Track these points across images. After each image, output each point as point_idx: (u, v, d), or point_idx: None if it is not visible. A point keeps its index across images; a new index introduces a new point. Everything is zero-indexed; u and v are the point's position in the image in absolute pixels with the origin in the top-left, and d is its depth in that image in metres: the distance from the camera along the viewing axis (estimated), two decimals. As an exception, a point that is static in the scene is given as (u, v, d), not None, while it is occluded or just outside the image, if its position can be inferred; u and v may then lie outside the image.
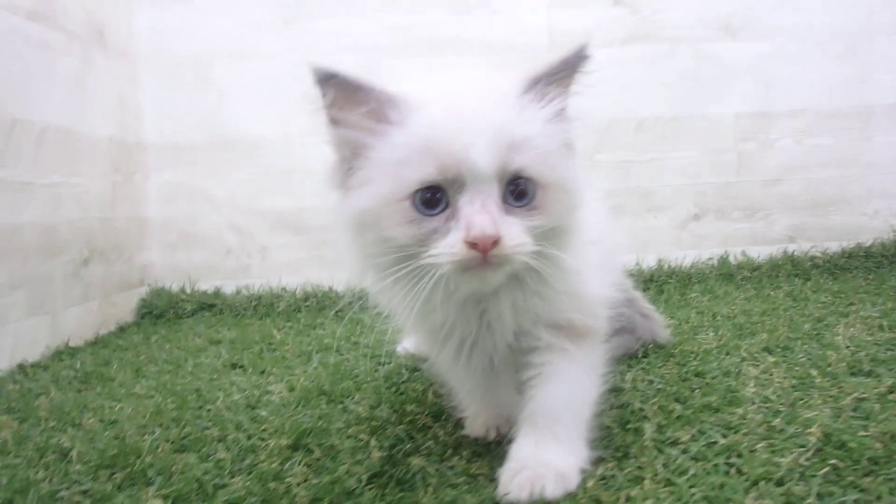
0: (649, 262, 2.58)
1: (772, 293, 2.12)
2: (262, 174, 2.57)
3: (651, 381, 1.27)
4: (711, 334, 1.59)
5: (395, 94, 0.83)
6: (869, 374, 1.21)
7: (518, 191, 0.81)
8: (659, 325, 1.51)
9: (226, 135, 2.56)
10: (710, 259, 2.60)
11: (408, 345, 1.60)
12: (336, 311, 2.37)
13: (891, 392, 1.10)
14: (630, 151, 2.62)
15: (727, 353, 1.42)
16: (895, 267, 2.45)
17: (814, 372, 1.23)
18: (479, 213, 0.77)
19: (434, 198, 0.79)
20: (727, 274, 2.49)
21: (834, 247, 2.59)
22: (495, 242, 0.76)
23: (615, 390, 1.23)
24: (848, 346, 1.38)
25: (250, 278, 2.59)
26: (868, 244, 2.57)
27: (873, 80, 2.62)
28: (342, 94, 0.83)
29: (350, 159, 0.85)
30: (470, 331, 0.94)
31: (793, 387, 1.17)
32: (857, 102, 2.63)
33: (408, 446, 1.03)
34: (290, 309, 2.43)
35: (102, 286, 2.17)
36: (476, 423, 1.06)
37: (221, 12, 2.52)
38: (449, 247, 0.77)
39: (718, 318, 1.80)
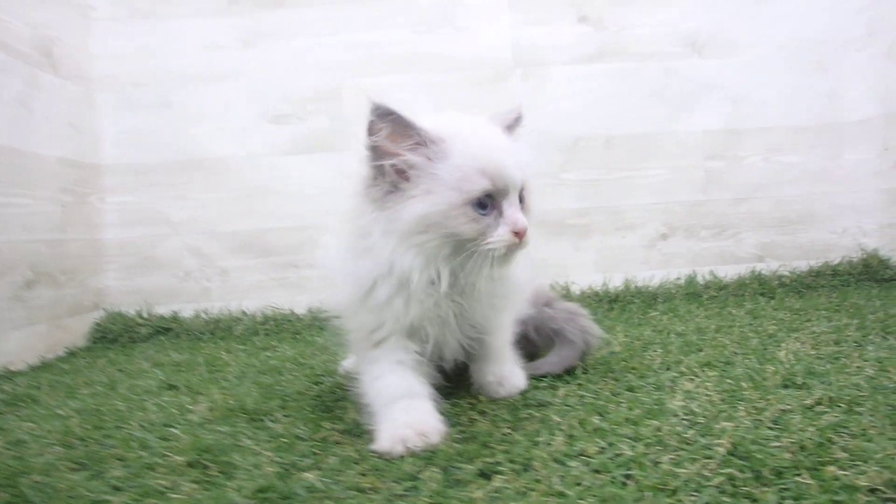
0: (616, 282, 2.56)
1: (733, 311, 2.10)
2: (224, 196, 2.56)
3: (582, 397, 1.24)
4: (659, 351, 1.56)
5: (433, 130, 1.08)
6: (801, 386, 1.18)
7: (521, 195, 1.14)
8: (585, 317, 1.48)
9: (186, 156, 2.55)
10: (677, 279, 2.58)
11: (348, 364, 1.58)
12: (294, 334, 2.35)
13: (818, 404, 1.07)
14: (598, 169, 2.61)
15: (668, 369, 1.39)
16: (861, 285, 2.43)
17: (746, 385, 1.20)
18: (518, 213, 1.10)
19: (485, 202, 1.08)
20: (694, 293, 2.47)
21: (803, 265, 2.57)
22: (525, 231, 1.09)
23: (542, 405, 1.20)
24: (789, 360, 1.35)
25: (210, 302, 2.56)
26: (836, 262, 2.56)
27: (842, 96, 2.62)
28: (396, 128, 1.06)
29: (394, 179, 1.09)
30: (447, 321, 1.18)
31: (722, 399, 1.14)
32: (826, 119, 2.62)
33: (308, 462, 1.00)
34: (248, 332, 2.41)
35: (50, 310, 2.15)
36: (384, 437, 1.04)
37: (181, 34, 2.54)
38: (501, 236, 1.08)
39: (672, 335, 1.76)
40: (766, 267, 2.59)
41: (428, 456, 0.97)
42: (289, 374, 1.67)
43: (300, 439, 1.11)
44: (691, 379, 1.29)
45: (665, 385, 1.26)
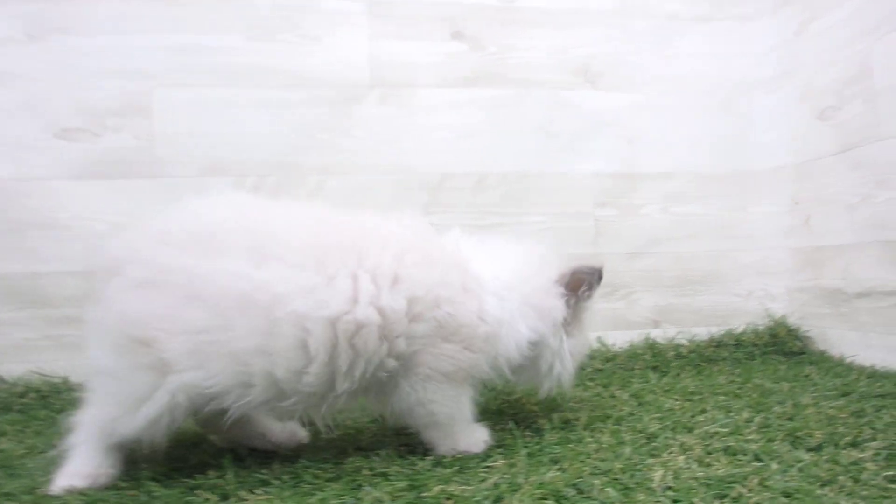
0: (488, 350, 2.22)
1: (617, 393, 1.79)
2: (-13, 228, 2.10)
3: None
4: (501, 461, 1.21)
5: None
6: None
7: None
8: None
9: (-62, 175, 2.08)
10: (561, 347, 2.27)
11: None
12: (57, 412, 1.86)
13: None
14: (468, 213, 2.30)
15: (496, 501, 1.02)
16: (767, 359, 2.20)
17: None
18: None
19: None
20: (576, 365, 2.16)
21: (703, 333, 2.33)
22: None
23: None
24: (664, 490, 1.02)
25: (-41, 364, 2.07)
26: (739, 330, 2.33)
27: (750, 142, 2.44)
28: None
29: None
30: None
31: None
32: (731, 166, 2.43)
33: None
34: (-3, 407, 1.92)
35: None
36: None
37: (-60, 18, 2.09)
38: None
39: (527, 433, 1.42)
40: (662, 334, 2.34)
41: None
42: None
43: None
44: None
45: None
